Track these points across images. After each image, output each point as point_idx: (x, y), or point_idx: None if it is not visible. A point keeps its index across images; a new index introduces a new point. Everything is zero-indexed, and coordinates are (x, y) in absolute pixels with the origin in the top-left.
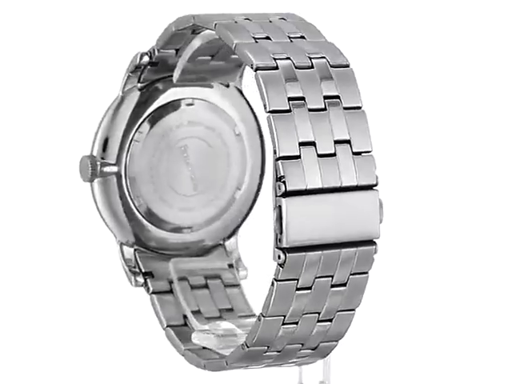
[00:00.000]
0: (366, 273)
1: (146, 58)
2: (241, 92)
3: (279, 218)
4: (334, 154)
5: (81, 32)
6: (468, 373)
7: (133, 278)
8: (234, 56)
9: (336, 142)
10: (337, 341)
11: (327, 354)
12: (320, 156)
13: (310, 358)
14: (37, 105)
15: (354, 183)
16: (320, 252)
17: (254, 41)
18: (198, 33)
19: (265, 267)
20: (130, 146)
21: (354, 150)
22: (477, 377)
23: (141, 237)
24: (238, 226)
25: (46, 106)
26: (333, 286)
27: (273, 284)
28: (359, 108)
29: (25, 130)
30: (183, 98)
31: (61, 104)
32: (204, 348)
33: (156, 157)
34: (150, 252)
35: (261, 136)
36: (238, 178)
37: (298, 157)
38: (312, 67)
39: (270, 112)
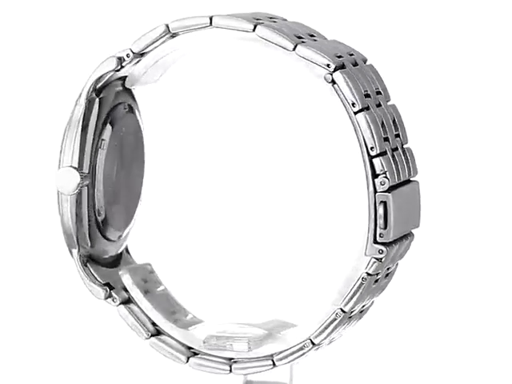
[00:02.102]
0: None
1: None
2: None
3: (384, 214)
4: (397, 149)
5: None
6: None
7: (101, 289)
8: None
9: (395, 136)
10: None
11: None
12: (393, 150)
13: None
14: None
15: (411, 175)
16: (399, 244)
17: (300, 41)
18: (174, 36)
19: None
20: (95, 154)
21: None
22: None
23: (95, 248)
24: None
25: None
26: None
27: (364, 279)
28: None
29: None
30: (123, 102)
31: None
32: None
33: (114, 164)
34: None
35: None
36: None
37: (386, 153)
38: (357, 64)
39: (359, 111)
